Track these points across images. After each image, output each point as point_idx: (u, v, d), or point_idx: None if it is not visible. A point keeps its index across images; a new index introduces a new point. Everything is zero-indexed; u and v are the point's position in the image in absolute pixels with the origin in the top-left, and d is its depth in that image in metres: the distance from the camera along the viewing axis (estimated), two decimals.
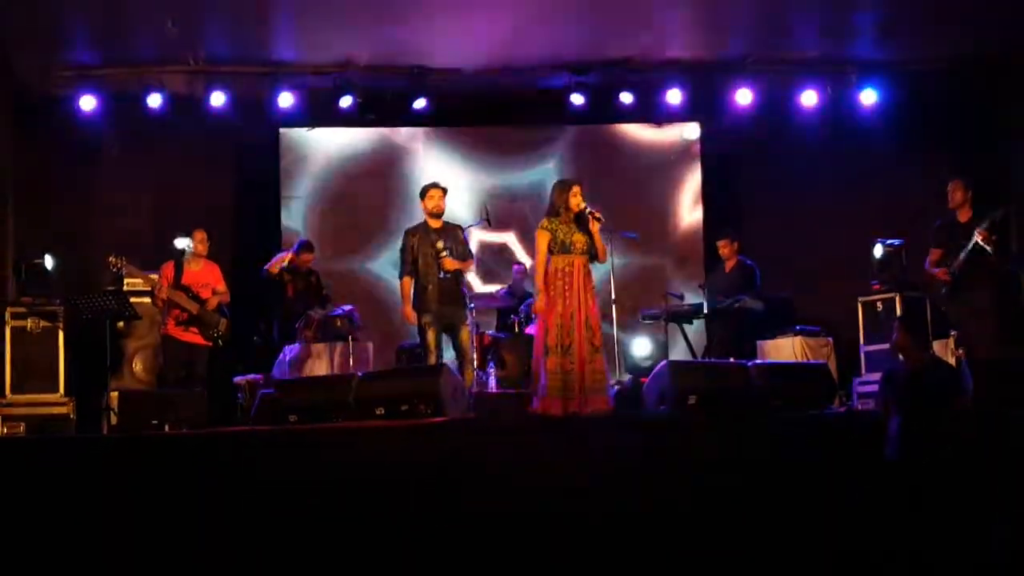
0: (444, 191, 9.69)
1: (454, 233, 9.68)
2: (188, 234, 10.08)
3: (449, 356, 9.68)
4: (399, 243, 9.78)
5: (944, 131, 12.52)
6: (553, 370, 8.30)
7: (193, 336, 9.92)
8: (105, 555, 7.37)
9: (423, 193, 9.71)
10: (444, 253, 9.39)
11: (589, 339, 8.37)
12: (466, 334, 9.62)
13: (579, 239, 8.52)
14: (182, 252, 10.09)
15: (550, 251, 8.52)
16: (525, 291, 12.05)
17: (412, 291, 9.53)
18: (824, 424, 8.48)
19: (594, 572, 7.41)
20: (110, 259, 9.86)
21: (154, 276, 9.97)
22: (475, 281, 12.41)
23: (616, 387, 9.14)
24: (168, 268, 9.99)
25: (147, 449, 7.93)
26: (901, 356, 7.37)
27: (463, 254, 9.65)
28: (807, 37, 11.88)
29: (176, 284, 9.88)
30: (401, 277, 9.65)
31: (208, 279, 10.10)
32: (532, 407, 8.46)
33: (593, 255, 8.59)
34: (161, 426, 8.76)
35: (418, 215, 10.00)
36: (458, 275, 9.57)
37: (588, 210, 8.50)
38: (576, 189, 8.60)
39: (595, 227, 8.50)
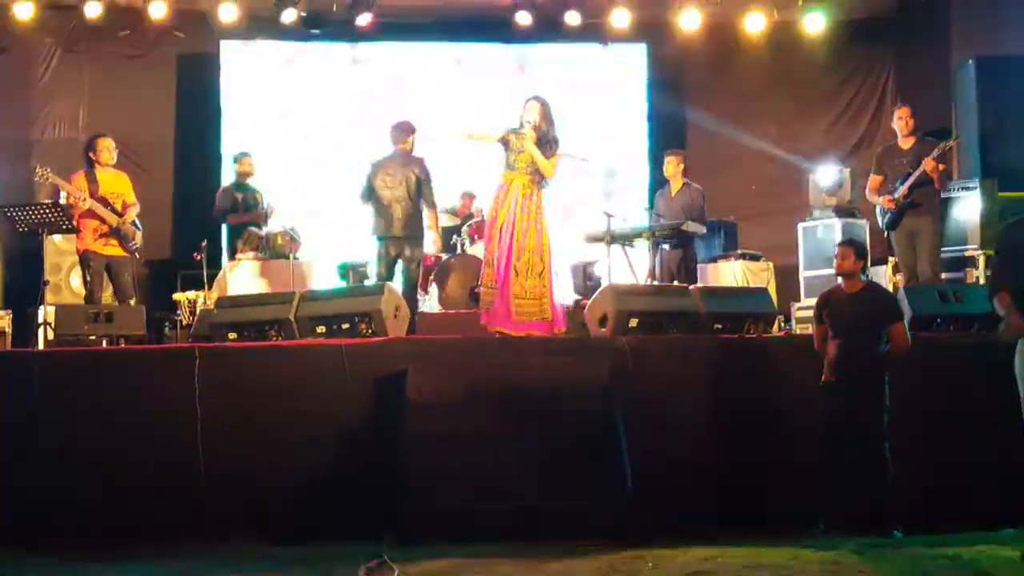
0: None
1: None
2: (92, 145, 9.59)
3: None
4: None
5: (890, 56, 12.53)
6: (487, 284, 8.49)
7: (114, 249, 9.51)
8: (36, 469, 7.31)
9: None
10: None
11: (514, 263, 8.43)
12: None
13: (523, 159, 8.52)
14: (91, 162, 9.59)
15: (503, 165, 8.60)
16: (468, 212, 12.01)
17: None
18: (763, 347, 8.55)
19: (530, 493, 7.42)
20: (36, 170, 9.47)
21: (78, 191, 9.48)
22: None
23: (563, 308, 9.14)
24: (79, 178, 9.52)
25: (80, 364, 7.79)
26: (841, 279, 7.41)
27: None
28: None
29: (93, 195, 9.44)
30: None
31: (120, 188, 9.65)
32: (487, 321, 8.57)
33: (540, 178, 8.58)
34: (98, 340, 8.64)
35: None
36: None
37: (526, 125, 8.51)
38: (530, 104, 8.61)
39: (524, 142, 8.52)
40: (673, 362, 8.00)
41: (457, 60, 13.14)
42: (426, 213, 9.51)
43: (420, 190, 9.42)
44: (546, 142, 8.58)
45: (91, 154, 9.56)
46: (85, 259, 9.55)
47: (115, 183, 9.63)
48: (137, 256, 9.66)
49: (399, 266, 9.51)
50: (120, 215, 9.48)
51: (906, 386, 7.28)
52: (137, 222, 9.68)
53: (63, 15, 11.58)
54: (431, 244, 9.82)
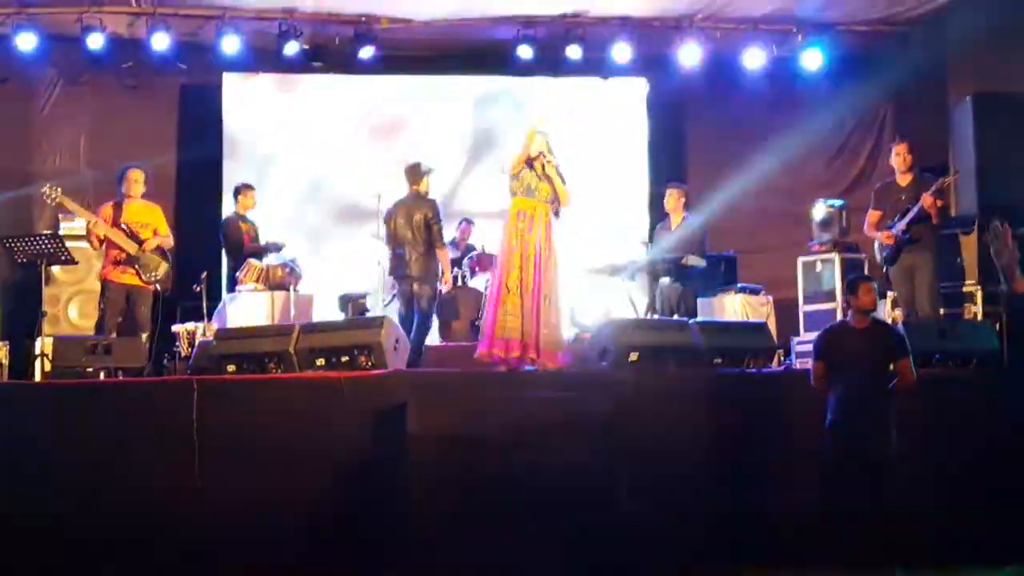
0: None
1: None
2: (122, 176, 9.62)
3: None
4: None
5: (888, 92, 12.56)
6: (511, 312, 8.38)
7: (131, 278, 9.47)
8: (34, 501, 7.29)
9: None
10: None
11: (545, 291, 8.41)
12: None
13: (544, 187, 8.56)
14: (122, 193, 9.61)
15: (513, 193, 8.60)
16: (469, 244, 12.03)
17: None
18: (762, 382, 8.54)
19: (528, 529, 7.41)
20: (44, 189, 9.44)
21: (89, 213, 9.53)
22: None
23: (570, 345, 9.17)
24: (106, 208, 9.56)
25: (76, 396, 7.80)
26: (851, 316, 7.33)
27: None
28: None
29: (114, 224, 9.44)
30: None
31: (148, 219, 9.63)
32: (479, 350, 8.53)
33: (556, 207, 8.62)
34: (96, 373, 8.62)
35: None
36: None
37: (541, 155, 8.52)
38: (534, 135, 8.64)
39: (549, 170, 8.51)
40: (673, 396, 8.02)
41: (458, 92, 13.13)
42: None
43: (429, 230, 9.61)
44: (559, 171, 8.63)
45: (121, 185, 9.59)
46: (103, 286, 9.57)
47: (143, 213, 9.63)
48: (157, 288, 9.60)
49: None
50: (140, 243, 9.46)
51: (906, 423, 7.23)
52: (167, 253, 9.67)
53: (65, 46, 11.57)
54: (441, 283, 10.05)
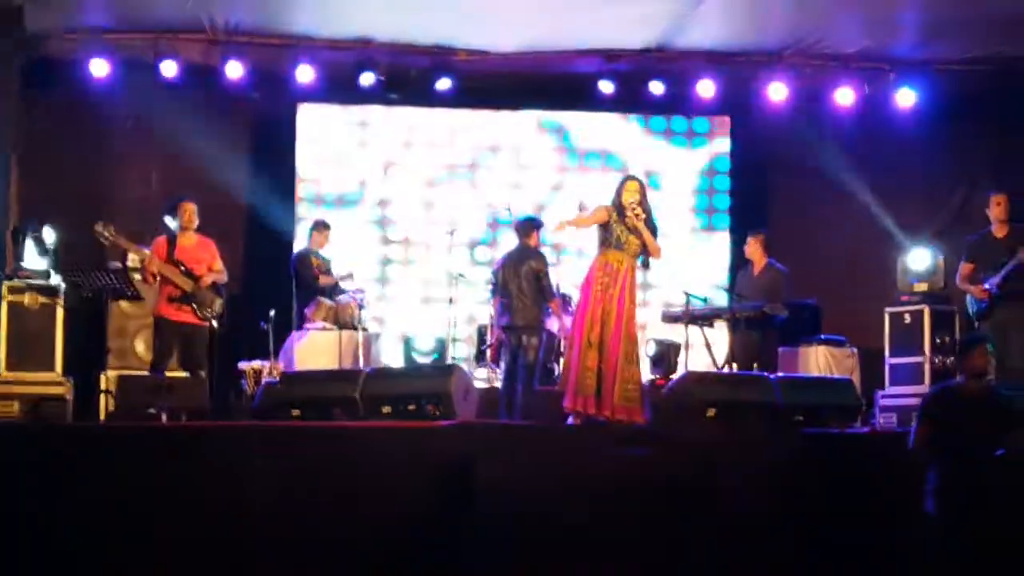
0: None
1: None
2: (174, 209, 9.41)
3: None
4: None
5: (983, 136, 12.12)
6: (590, 367, 8.14)
7: (187, 316, 9.23)
8: (93, 546, 7.13)
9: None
10: None
11: (625, 347, 8.16)
12: None
13: (633, 240, 8.31)
14: (175, 228, 9.41)
15: (602, 243, 8.37)
16: None
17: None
18: (847, 443, 8.22)
19: None
20: (96, 227, 9.19)
21: (143, 250, 9.32)
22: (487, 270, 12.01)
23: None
24: (161, 243, 9.32)
25: (140, 440, 7.65)
26: (968, 378, 6.73)
27: None
28: (847, 32, 11.44)
29: (168, 259, 9.22)
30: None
31: (203, 255, 9.38)
32: (565, 404, 8.29)
33: (645, 259, 8.41)
34: (159, 413, 8.48)
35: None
36: None
37: (633, 206, 8.27)
38: (629, 184, 8.41)
39: (638, 223, 8.26)
40: (751, 457, 7.69)
41: (537, 127, 12.87)
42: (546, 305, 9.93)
43: (539, 283, 9.68)
44: (651, 224, 8.39)
45: (175, 218, 9.38)
46: (157, 324, 9.35)
47: (197, 248, 9.40)
48: (213, 325, 9.35)
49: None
50: (196, 280, 9.25)
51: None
52: (221, 289, 9.44)
53: (139, 74, 11.46)
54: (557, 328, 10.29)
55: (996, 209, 9.49)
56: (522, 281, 9.69)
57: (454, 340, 11.11)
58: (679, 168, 12.88)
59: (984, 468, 6.53)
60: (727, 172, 12.91)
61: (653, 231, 8.39)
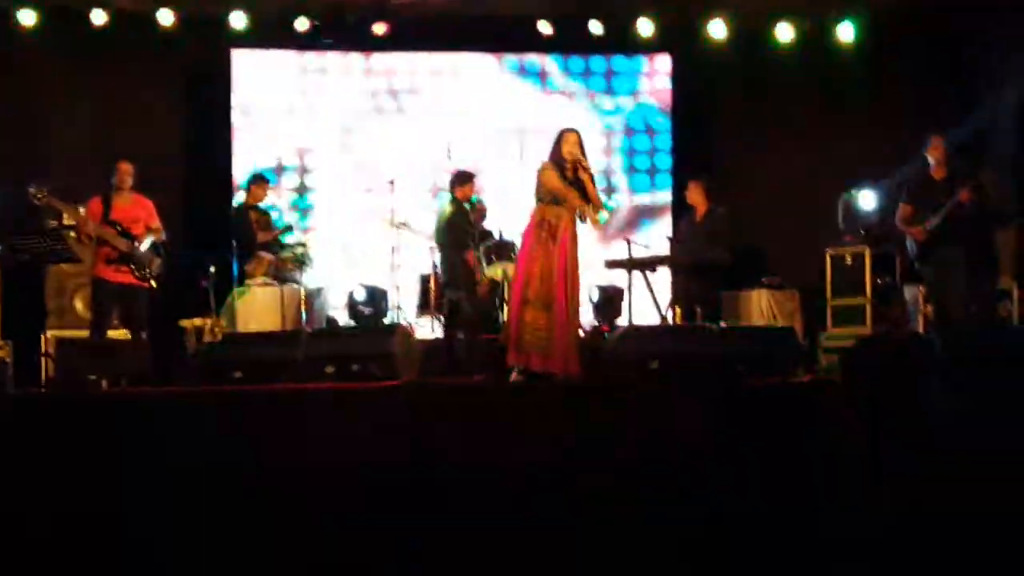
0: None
1: None
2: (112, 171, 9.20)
3: None
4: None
5: (922, 73, 12.09)
6: (532, 324, 8.04)
7: (126, 276, 9.03)
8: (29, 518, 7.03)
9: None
10: None
11: (571, 300, 8.10)
12: None
13: (573, 194, 8.16)
14: (110, 186, 9.17)
15: (540, 199, 8.19)
16: (484, 230, 11.67)
17: None
18: (789, 392, 8.24)
19: (553, 545, 7.19)
20: (30, 189, 8.92)
21: (79, 209, 9.13)
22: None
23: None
24: (95, 203, 9.11)
25: (78, 409, 7.44)
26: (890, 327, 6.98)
27: None
28: None
29: (104, 219, 9.03)
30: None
31: (139, 214, 9.18)
32: (508, 359, 8.17)
33: (582, 213, 8.24)
34: (99, 379, 8.38)
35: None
36: None
37: (578, 160, 8.15)
38: (568, 136, 8.23)
39: (585, 177, 8.13)
40: (693, 408, 7.73)
41: (474, 70, 12.73)
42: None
43: (452, 234, 10.02)
44: (592, 175, 8.27)
45: (111, 178, 9.18)
46: (95, 285, 9.16)
47: (134, 207, 9.20)
48: (152, 285, 9.18)
49: None
50: (133, 240, 9.12)
51: None
52: (160, 248, 9.25)
53: (67, 24, 11.19)
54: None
55: (935, 152, 9.42)
56: (447, 234, 9.91)
57: (397, 289, 11.00)
58: (616, 112, 12.82)
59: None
60: (668, 112, 12.83)
61: (595, 184, 8.29)
